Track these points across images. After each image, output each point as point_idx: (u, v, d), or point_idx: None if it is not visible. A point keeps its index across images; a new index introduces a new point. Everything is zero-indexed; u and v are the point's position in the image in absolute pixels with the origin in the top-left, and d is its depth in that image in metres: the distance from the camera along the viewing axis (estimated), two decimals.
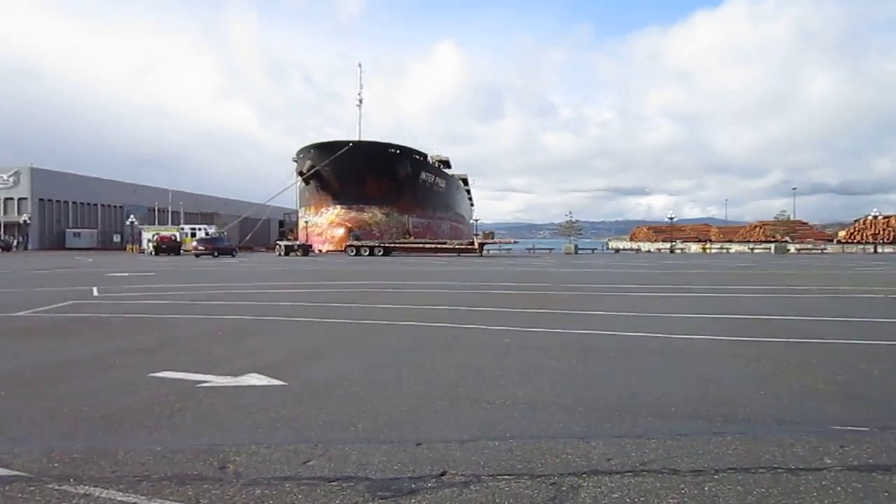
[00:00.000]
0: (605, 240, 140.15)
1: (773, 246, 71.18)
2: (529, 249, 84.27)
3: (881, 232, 78.63)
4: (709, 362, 7.67)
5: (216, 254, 52.54)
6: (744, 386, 6.39)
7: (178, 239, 62.18)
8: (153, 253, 57.96)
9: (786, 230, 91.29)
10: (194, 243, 56.61)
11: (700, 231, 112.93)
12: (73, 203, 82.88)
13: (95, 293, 17.37)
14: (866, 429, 4.83)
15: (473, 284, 20.93)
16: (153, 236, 63.26)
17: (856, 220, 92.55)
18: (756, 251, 74.52)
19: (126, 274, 26.84)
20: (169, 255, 56.66)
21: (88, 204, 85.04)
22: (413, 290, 18.80)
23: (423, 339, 9.57)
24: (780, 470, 3.93)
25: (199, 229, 68.60)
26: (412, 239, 66.12)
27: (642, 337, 9.60)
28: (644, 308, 13.75)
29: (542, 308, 13.61)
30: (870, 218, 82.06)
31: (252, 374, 6.96)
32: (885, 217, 79.66)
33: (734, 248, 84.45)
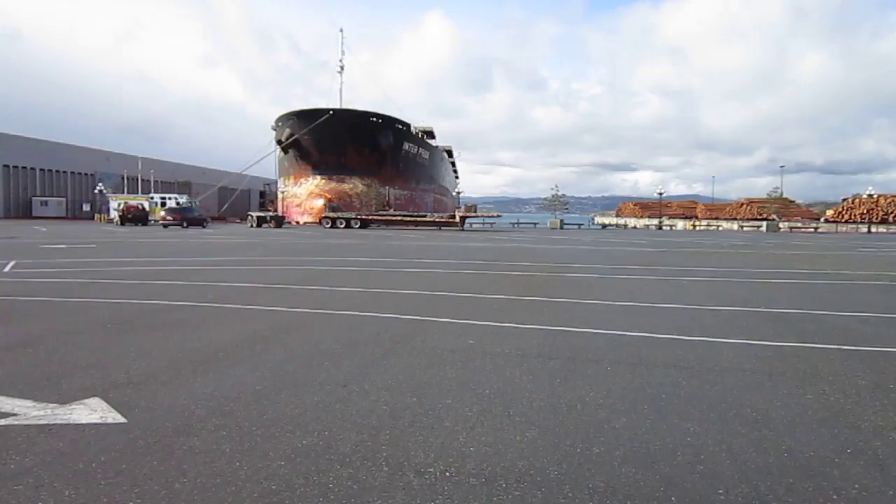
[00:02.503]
0: (592, 215, 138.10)
1: (764, 224, 69.32)
2: (513, 224, 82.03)
3: (870, 211, 77.09)
4: (746, 386, 5.50)
5: (185, 224, 50.13)
6: (815, 434, 4.27)
7: (146, 208, 59.36)
8: (119, 223, 55.32)
9: (775, 208, 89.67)
10: (162, 213, 53.95)
11: (686, 208, 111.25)
12: (42, 170, 79.21)
13: (8, 269, 15.02)
14: None
15: (447, 263, 18.68)
16: (119, 205, 60.47)
17: (844, 199, 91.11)
18: (745, 229, 72.78)
19: (65, 246, 24.39)
20: (136, 224, 54.13)
21: (57, 171, 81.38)
22: (379, 269, 16.57)
23: (365, 337, 7.40)
24: None
25: (170, 198, 65.74)
26: (392, 211, 63.87)
27: (646, 340, 7.45)
28: (641, 296, 11.60)
29: (521, 294, 11.44)
30: (862, 197, 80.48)
31: (91, 401, 4.82)
32: (872, 196, 77.96)
33: (723, 225, 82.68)
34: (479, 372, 5.86)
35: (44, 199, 77.25)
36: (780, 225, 72.00)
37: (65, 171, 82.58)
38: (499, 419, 4.51)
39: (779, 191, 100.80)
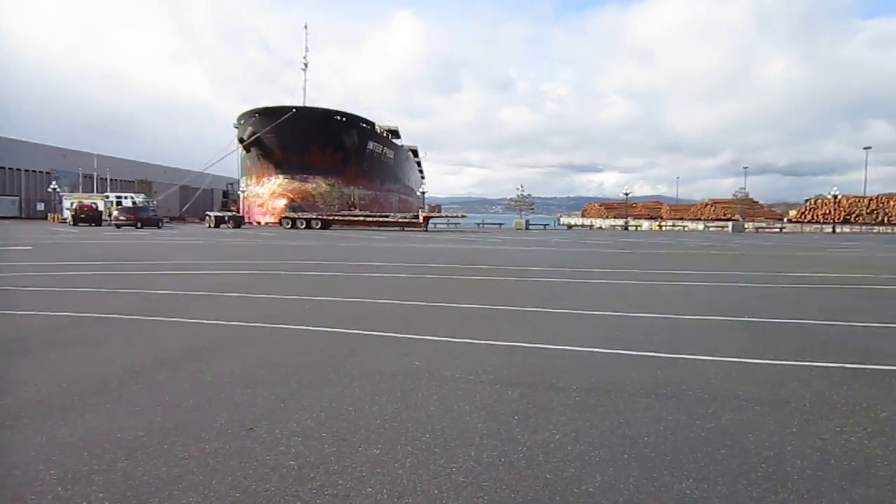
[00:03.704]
0: (558, 215, 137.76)
1: (730, 224, 69.35)
2: (478, 224, 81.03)
3: (833, 212, 77.65)
4: (746, 423, 4.48)
5: (139, 225, 48.23)
6: (849, 497, 3.26)
7: (100, 208, 57.15)
8: (72, 223, 53.19)
9: (741, 209, 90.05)
10: (115, 212, 51.90)
11: (651, 208, 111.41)
12: None
13: None
14: None
15: (404, 266, 17.55)
16: (72, 204, 58.23)
17: (807, 200, 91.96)
18: (711, 229, 72.76)
19: None
20: (89, 225, 52.05)
21: (11, 169, 78.37)
22: (329, 274, 15.39)
23: (294, 359, 6.29)
24: None
25: (126, 198, 63.52)
26: (356, 211, 62.52)
27: (620, 359, 6.42)
28: (612, 303, 10.62)
29: (480, 302, 10.37)
30: (825, 197, 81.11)
31: None
32: (837, 197, 78.56)
33: (689, 225, 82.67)
34: (421, 407, 4.78)
35: None
36: (746, 225, 72.11)
37: (19, 169, 79.54)
38: (437, 481, 3.45)
39: (745, 191, 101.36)
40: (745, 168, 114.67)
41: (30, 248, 24.03)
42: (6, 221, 60.83)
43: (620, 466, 3.66)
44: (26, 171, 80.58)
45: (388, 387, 5.31)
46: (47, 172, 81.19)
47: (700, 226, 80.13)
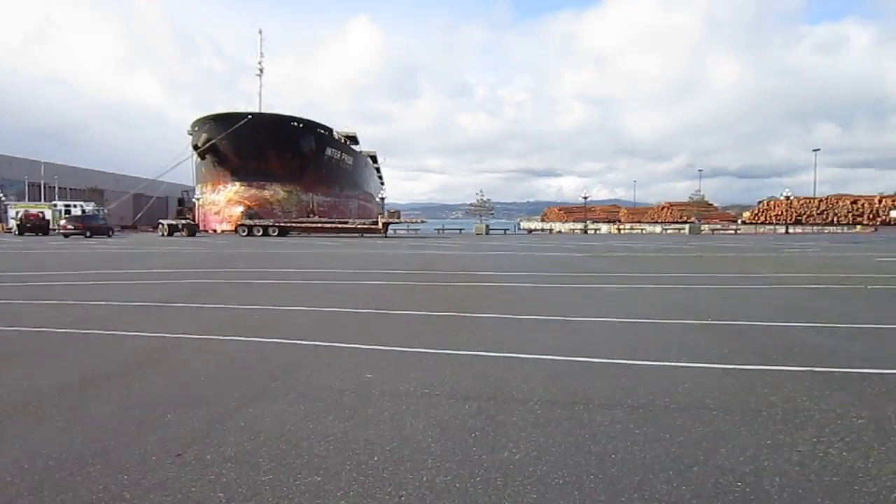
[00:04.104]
0: (518, 220, 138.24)
1: (687, 227, 70.24)
2: (438, 230, 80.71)
3: (785, 213, 79.20)
4: (717, 434, 4.17)
5: (88, 234, 46.78)
6: None
7: (47, 217, 55.35)
8: (17, 232, 51.40)
9: (697, 211, 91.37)
10: (62, 221, 50.26)
11: (610, 212, 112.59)
12: None
13: None
14: None
15: (361, 273, 17.10)
16: (17, 214, 56.32)
17: (760, 202, 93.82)
18: (668, 232, 73.56)
19: None
20: (36, 234, 50.35)
21: None
22: (282, 282, 14.89)
23: (237, 373, 5.85)
24: None
25: (75, 206, 61.68)
26: (315, 217, 61.69)
27: (582, 367, 6.12)
28: (573, 308, 10.36)
29: (437, 309, 10.00)
30: (777, 199, 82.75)
31: None
32: (789, 199, 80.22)
33: (646, 228, 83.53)
34: (370, 425, 4.40)
35: None
36: (702, 227, 73.10)
37: None
38: None
39: (700, 194, 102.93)
40: (700, 171, 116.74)
41: None
42: None
43: (587, 491, 3.32)
44: None
45: (336, 403, 4.92)
46: None
47: (657, 228, 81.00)
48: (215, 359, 6.54)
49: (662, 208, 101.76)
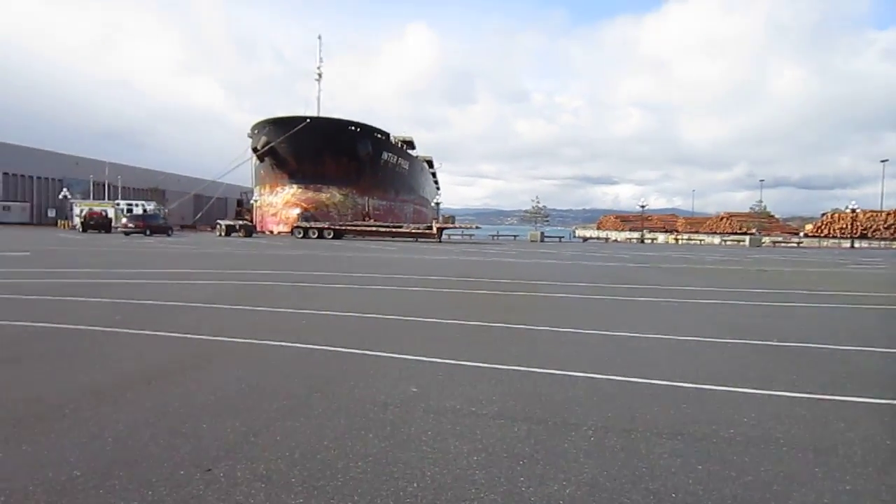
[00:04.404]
0: (573, 227, 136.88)
1: (747, 238, 68.31)
2: (493, 236, 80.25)
3: (850, 226, 76.38)
4: (790, 475, 3.78)
5: (148, 232, 47.90)
6: None
7: (110, 215, 56.90)
8: (81, 229, 53.02)
9: (757, 223, 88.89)
10: (123, 220, 51.61)
11: (667, 221, 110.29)
12: (5, 174, 76.40)
13: None
14: None
15: (413, 279, 16.91)
16: (81, 212, 58.07)
17: (823, 214, 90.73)
18: (728, 243, 71.70)
19: None
20: (99, 231, 51.81)
21: (22, 176, 78.48)
22: (333, 286, 14.79)
23: (276, 382, 5.69)
24: None
25: (137, 205, 63.33)
26: (370, 221, 62.04)
27: (639, 389, 5.75)
28: (630, 323, 9.92)
29: (489, 319, 9.70)
30: (842, 212, 79.89)
31: None
32: (855, 211, 77.30)
33: (705, 239, 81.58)
34: (412, 445, 4.15)
35: (5, 203, 74.32)
36: (763, 240, 71.03)
37: (31, 176, 79.74)
38: None
39: (763, 205, 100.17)
40: (762, 181, 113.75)
41: (27, 253, 23.65)
42: (16, 227, 60.87)
43: None
44: (38, 178, 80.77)
45: (377, 419, 4.69)
46: (59, 180, 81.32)
47: (716, 239, 79.04)
48: (259, 365, 6.40)
49: (721, 219, 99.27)
